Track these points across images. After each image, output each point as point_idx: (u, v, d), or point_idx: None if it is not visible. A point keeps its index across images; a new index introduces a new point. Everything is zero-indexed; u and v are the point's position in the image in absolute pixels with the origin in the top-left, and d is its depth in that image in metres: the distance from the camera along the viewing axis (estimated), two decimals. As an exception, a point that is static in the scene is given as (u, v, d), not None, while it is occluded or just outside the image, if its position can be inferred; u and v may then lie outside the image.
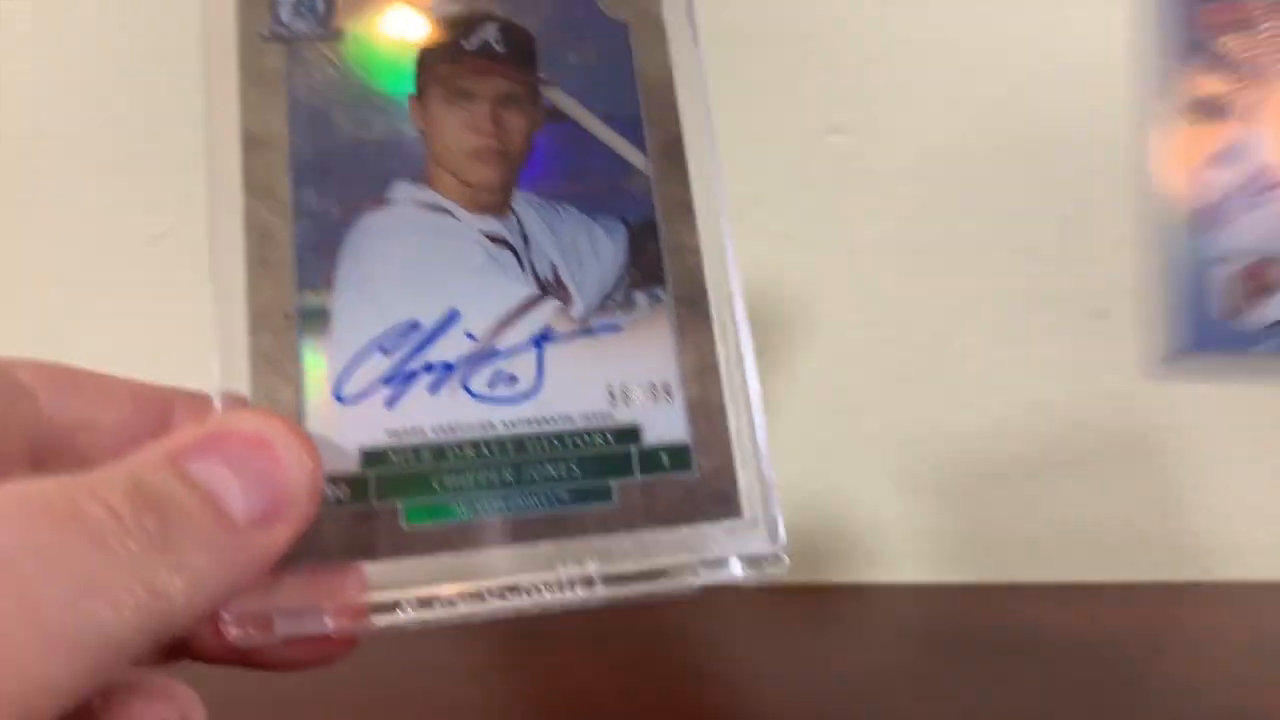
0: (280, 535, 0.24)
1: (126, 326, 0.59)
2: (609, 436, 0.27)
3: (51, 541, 0.20)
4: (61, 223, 0.60)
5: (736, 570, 0.27)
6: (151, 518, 0.21)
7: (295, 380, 0.27)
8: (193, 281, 0.58)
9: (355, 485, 0.26)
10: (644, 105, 0.29)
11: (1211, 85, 0.50)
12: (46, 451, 0.27)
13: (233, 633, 0.25)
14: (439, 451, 0.27)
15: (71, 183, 0.60)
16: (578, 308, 0.28)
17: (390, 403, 0.27)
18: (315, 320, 0.27)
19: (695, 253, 0.28)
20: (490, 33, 0.29)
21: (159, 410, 0.28)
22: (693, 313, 0.28)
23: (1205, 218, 0.50)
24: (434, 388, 0.27)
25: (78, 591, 0.20)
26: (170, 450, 0.23)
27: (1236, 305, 0.51)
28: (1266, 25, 0.46)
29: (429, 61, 0.29)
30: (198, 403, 0.28)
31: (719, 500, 0.27)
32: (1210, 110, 0.51)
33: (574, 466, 0.27)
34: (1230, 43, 0.48)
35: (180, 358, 0.58)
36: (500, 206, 0.29)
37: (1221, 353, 0.52)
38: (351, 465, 0.26)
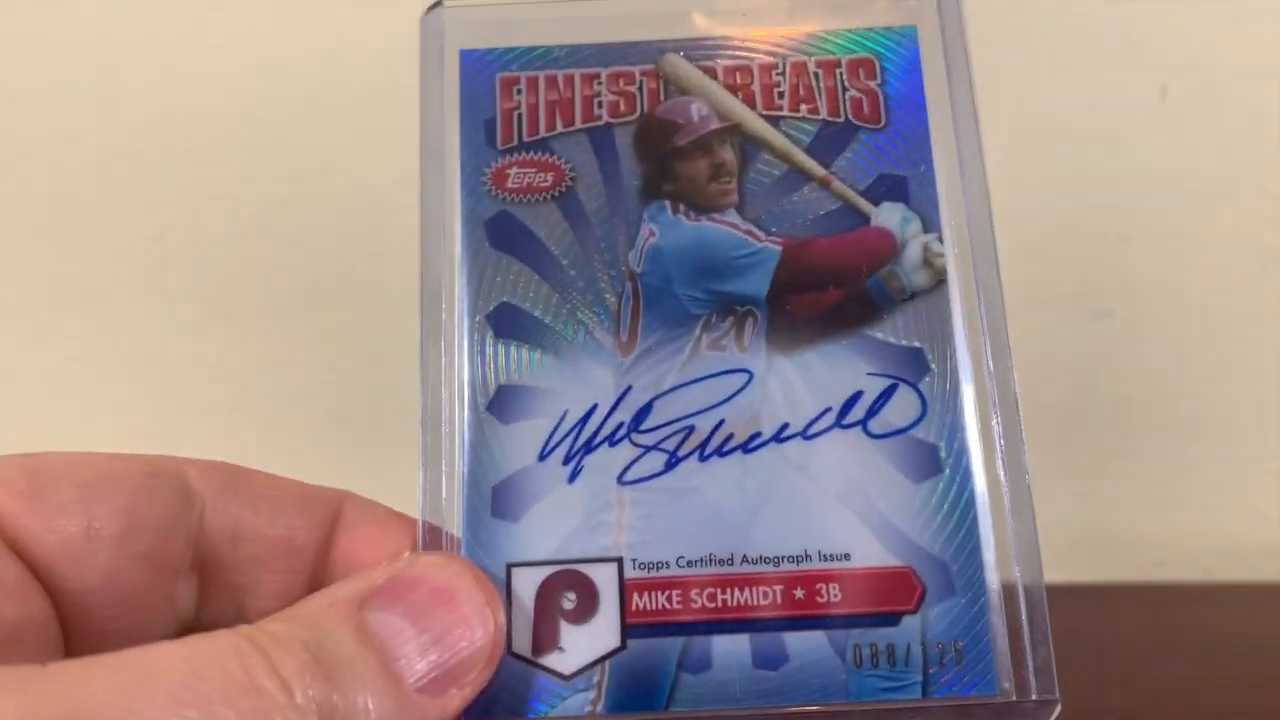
0: (452, 703, 0.23)
1: (126, 326, 0.59)
2: None
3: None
4: (61, 223, 0.59)
5: None
6: (322, 690, 0.21)
7: None
8: (193, 281, 0.59)
9: None
10: None
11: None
12: (209, 559, 0.27)
13: None
14: None
15: (71, 183, 0.59)
16: None
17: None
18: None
19: None
20: None
21: (325, 517, 0.28)
22: None
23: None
24: None
25: None
26: (356, 595, 0.23)
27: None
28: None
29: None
30: (367, 510, 0.28)
31: None
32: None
33: None
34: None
35: (179, 358, 0.59)
36: None
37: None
38: None
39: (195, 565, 0.26)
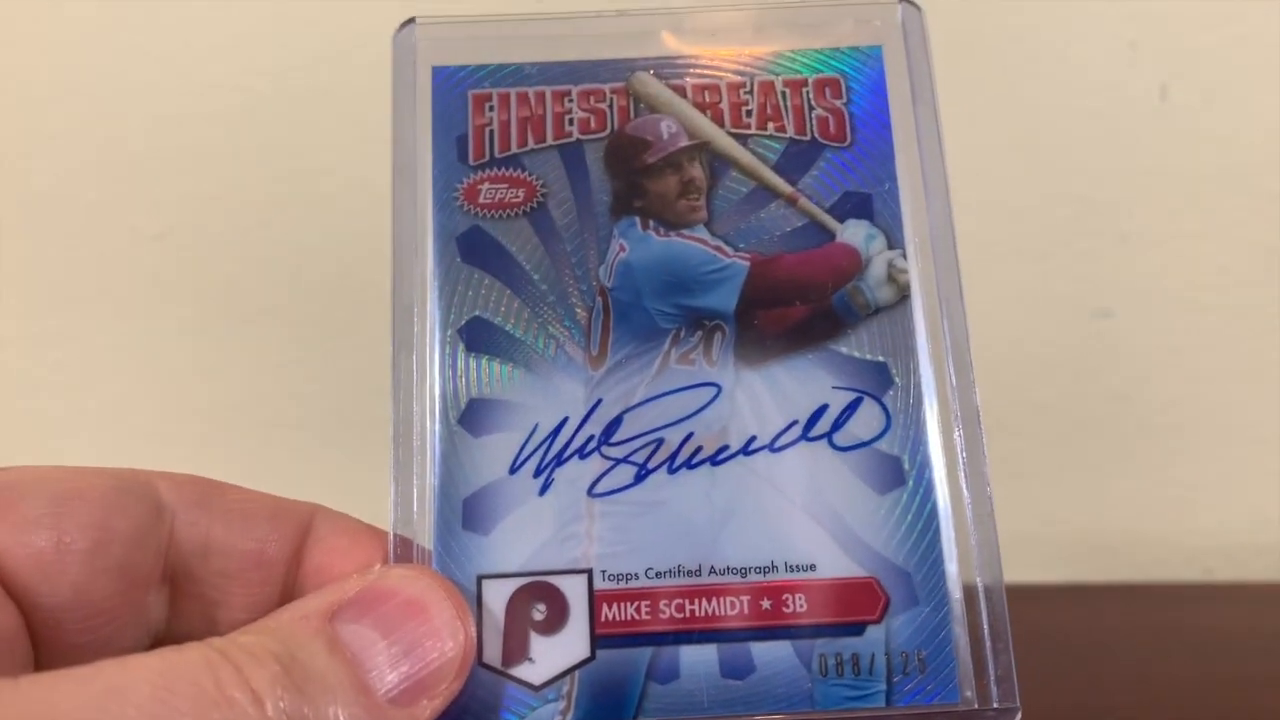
0: (423, 714, 0.24)
1: (127, 326, 0.59)
2: None
3: None
4: (61, 223, 0.59)
5: None
6: (293, 702, 0.21)
7: None
8: (193, 281, 0.59)
9: None
10: None
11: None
12: (180, 572, 0.27)
13: None
14: None
15: (71, 183, 0.59)
16: None
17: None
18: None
19: None
20: None
21: (296, 530, 0.28)
22: None
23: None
24: None
25: None
26: (328, 607, 0.23)
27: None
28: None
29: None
30: (338, 523, 0.28)
31: None
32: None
33: None
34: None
35: (177, 358, 0.59)
36: None
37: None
38: None
39: (166, 578, 0.27)
